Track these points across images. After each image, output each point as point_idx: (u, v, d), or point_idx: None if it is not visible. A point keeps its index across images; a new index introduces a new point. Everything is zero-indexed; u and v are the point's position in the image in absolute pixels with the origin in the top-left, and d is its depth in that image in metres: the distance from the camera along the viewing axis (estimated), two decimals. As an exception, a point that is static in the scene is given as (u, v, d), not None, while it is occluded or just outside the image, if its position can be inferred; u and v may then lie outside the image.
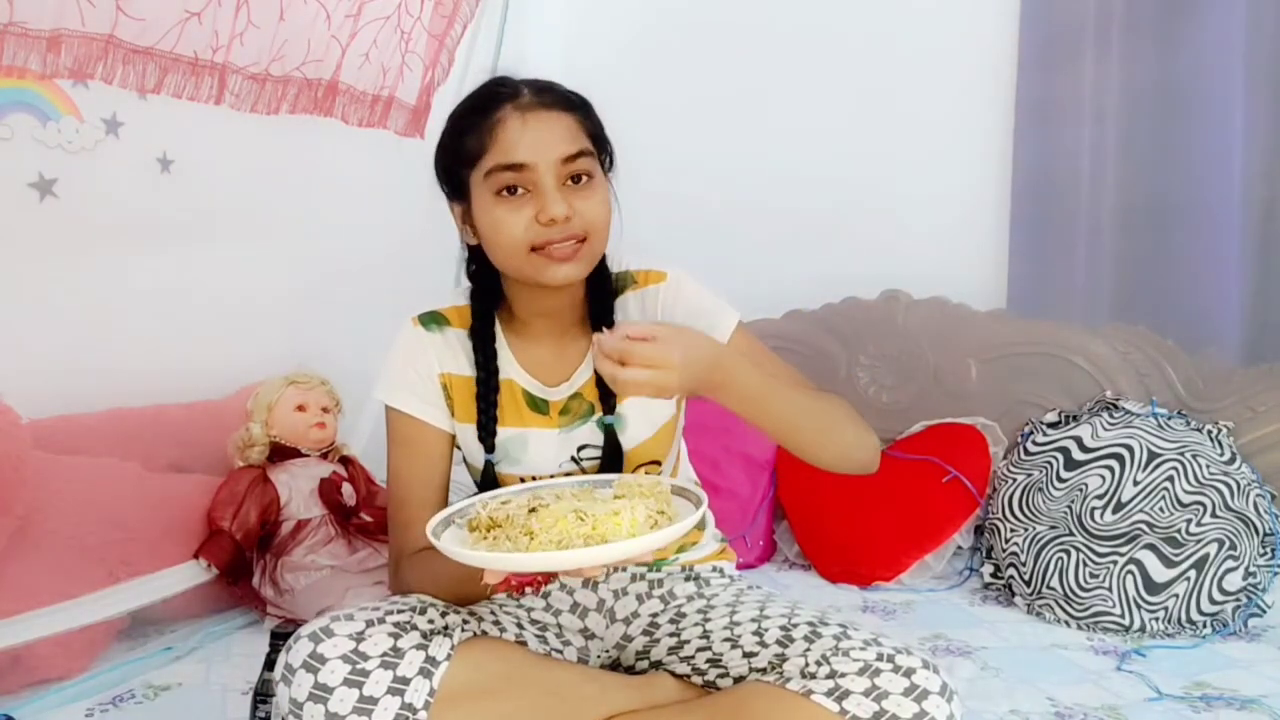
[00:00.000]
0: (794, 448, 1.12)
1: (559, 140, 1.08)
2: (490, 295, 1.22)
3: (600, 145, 1.16)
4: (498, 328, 1.23)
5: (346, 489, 1.84)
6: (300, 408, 1.87)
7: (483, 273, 1.21)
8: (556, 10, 2.68)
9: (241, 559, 1.73)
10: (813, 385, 1.19)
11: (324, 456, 1.89)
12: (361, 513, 1.84)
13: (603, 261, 1.20)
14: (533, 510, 0.99)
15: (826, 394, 1.16)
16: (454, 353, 1.22)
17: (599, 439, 1.21)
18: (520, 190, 1.09)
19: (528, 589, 1.02)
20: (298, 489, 1.80)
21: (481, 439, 1.20)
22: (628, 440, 1.21)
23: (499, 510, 1.02)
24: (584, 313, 1.22)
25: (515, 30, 2.46)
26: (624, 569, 1.26)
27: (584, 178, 1.11)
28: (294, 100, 1.96)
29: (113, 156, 1.80)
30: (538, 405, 1.23)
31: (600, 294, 1.21)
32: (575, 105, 1.13)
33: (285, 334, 2.10)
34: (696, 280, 1.24)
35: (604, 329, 1.02)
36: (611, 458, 1.20)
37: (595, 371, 1.20)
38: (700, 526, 1.33)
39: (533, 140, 1.08)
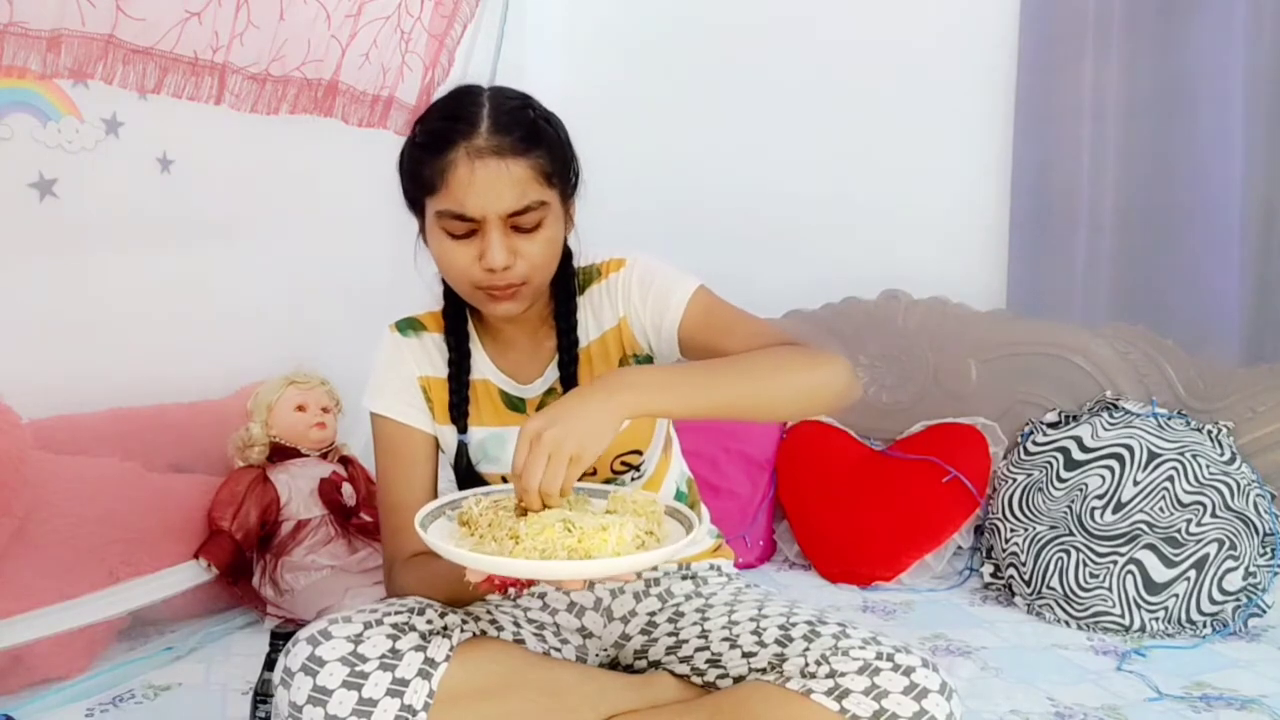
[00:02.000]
0: (749, 420, 1.09)
1: (507, 192, 1.06)
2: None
3: (561, 179, 1.12)
4: (471, 330, 1.25)
5: (346, 489, 1.84)
6: (300, 408, 1.87)
7: None
8: (556, 10, 2.68)
9: (241, 559, 1.73)
10: (778, 337, 1.13)
11: (324, 456, 1.89)
12: (361, 513, 1.84)
13: (567, 260, 1.21)
14: (523, 514, 0.99)
15: (769, 350, 1.09)
16: (431, 356, 1.25)
17: None
18: (467, 233, 1.09)
19: (512, 590, 1.02)
20: (298, 489, 1.80)
21: (454, 419, 1.21)
22: None
23: (490, 508, 1.02)
24: (549, 310, 1.24)
25: (515, 30, 2.46)
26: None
27: (534, 227, 1.10)
28: (294, 100, 1.96)
29: (113, 156, 1.80)
30: (515, 404, 1.24)
31: (565, 293, 1.22)
32: (533, 145, 1.08)
33: (285, 334, 2.10)
34: (655, 258, 1.23)
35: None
36: None
37: (562, 368, 1.21)
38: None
39: (482, 191, 1.06)
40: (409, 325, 1.27)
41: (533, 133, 1.09)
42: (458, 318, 1.24)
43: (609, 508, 1.04)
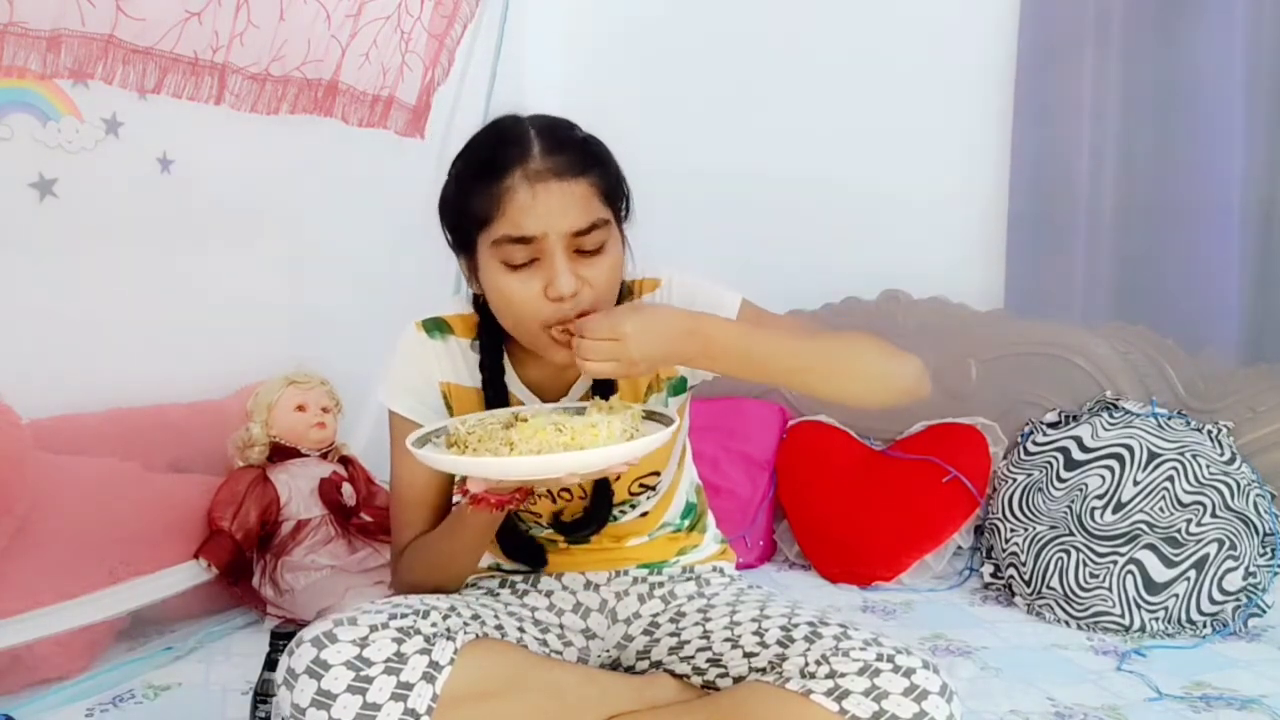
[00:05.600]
0: (812, 390, 1.10)
1: (570, 211, 1.02)
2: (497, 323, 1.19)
3: (617, 201, 1.10)
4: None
5: (346, 489, 1.84)
6: (300, 408, 1.87)
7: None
8: (556, 10, 2.68)
9: (241, 559, 1.73)
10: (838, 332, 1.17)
11: (324, 456, 1.89)
12: (361, 513, 1.84)
13: None
14: (510, 427, 1.00)
15: (845, 332, 1.14)
16: (455, 362, 1.22)
17: None
18: (529, 260, 1.04)
19: (508, 506, 1.02)
20: (298, 489, 1.80)
21: None
22: None
23: (477, 426, 1.03)
24: None
25: (515, 30, 2.46)
26: (624, 571, 1.27)
27: (597, 249, 1.05)
28: (294, 100, 1.96)
29: (113, 156, 1.80)
30: None
31: None
32: (590, 165, 1.05)
33: (285, 334, 2.10)
34: (693, 275, 1.22)
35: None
36: None
37: (594, 388, 1.19)
38: (701, 529, 1.34)
39: (544, 212, 1.01)
40: (436, 327, 1.22)
41: (586, 152, 1.06)
42: (492, 330, 1.18)
43: (589, 414, 1.05)
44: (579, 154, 1.05)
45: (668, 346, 1.00)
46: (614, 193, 1.09)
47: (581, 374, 1.17)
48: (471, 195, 1.05)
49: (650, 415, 1.08)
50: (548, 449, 0.93)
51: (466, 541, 1.17)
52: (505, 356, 1.22)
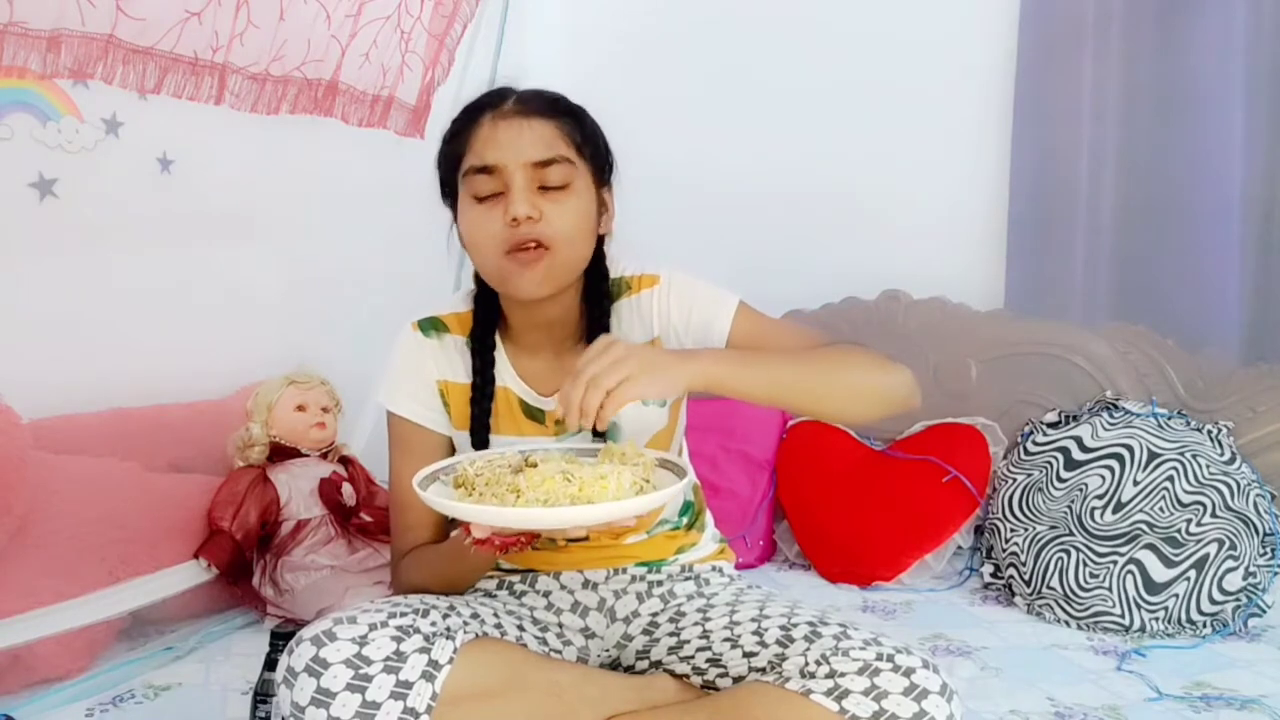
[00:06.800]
0: (803, 412, 1.13)
1: (530, 145, 1.10)
2: (491, 305, 1.22)
3: (592, 154, 1.15)
4: (496, 336, 1.24)
5: (346, 489, 1.84)
6: (300, 408, 1.87)
7: (484, 283, 1.21)
8: (556, 10, 2.68)
9: (241, 559, 1.73)
10: (833, 343, 1.18)
11: (324, 456, 1.89)
12: (361, 513, 1.84)
13: (601, 271, 1.20)
14: (519, 471, 1.00)
15: (835, 348, 1.14)
16: (451, 361, 1.23)
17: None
18: (494, 194, 1.11)
19: (512, 549, 1.02)
20: (298, 489, 1.80)
21: (475, 445, 1.21)
22: None
23: (485, 468, 1.03)
24: (579, 324, 1.22)
25: (515, 30, 2.46)
26: (623, 569, 1.27)
27: (560, 186, 1.11)
28: (294, 100, 1.96)
29: (113, 156, 1.80)
30: (534, 415, 1.23)
31: (595, 304, 1.20)
32: (560, 113, 1.13)
33: (285, 334, 2.10)
34: (690, 275, 1.23)
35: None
36: None
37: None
38: (700, 528, 1.34)
39: (504, 142, 1.10)
40: (431, 325, 1.25)
41: (560, 105, 1.14)
42: (487, 324, 1.22)
43: (600, 463, 1.05)
44: (551, 103, 1.14)
45: (669, 365, 1.01)
46: (586, 146, 1.15)
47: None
48: (450, 141, 1.15)
49: (664, 464, 1.08)
50: (554, 499, 0.93)
51: (466, 570, 1.18)
52: (503, 352, 1.23)
